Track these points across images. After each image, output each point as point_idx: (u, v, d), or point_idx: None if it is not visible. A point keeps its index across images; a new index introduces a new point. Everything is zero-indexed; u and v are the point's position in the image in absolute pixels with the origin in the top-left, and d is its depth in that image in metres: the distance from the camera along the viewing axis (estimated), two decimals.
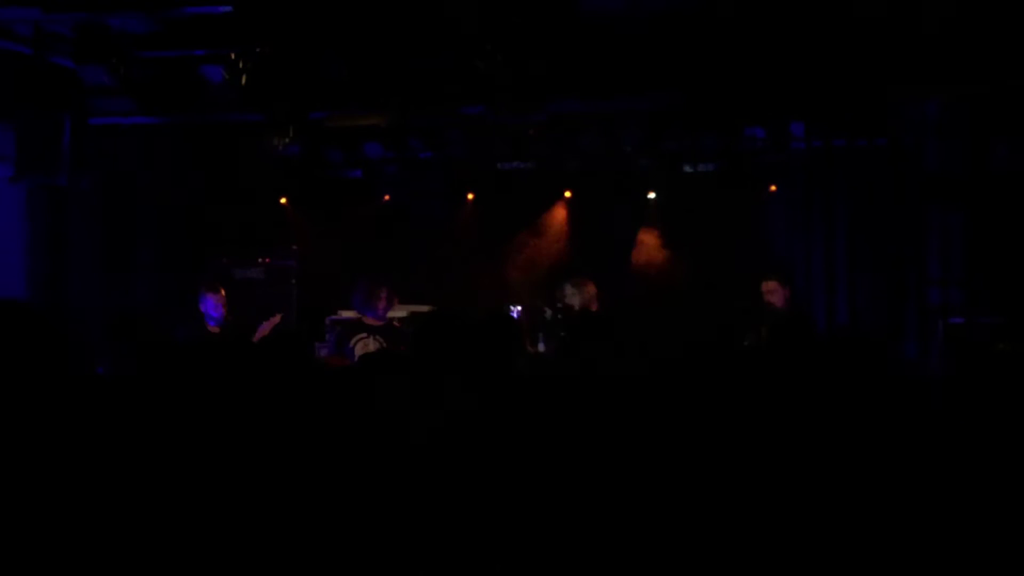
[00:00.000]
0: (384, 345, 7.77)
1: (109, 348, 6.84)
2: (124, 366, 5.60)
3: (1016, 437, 3.40)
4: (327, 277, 11.71)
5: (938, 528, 3.16)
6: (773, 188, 11.49)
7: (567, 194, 12.15)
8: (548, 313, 8.84)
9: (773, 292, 8.94)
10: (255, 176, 11.62)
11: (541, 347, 8.87)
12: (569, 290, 8.47)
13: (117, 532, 2.79)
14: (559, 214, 12.25)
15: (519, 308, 9.56)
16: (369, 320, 8.12)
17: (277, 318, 9.38)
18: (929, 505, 3.20)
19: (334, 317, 10.66)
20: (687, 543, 3.15)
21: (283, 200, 12.38)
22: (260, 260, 11.48)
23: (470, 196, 12.33)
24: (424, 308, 10.05)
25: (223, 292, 9.46)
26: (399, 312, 9.02)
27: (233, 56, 9.01)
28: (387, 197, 12.38)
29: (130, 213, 11.03)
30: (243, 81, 9.15)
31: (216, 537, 2.99)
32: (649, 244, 11.75)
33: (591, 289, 8.52)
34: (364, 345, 7.78)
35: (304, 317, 11.17)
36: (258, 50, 8.95)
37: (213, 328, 9.30)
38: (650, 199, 11.88)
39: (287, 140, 10.13)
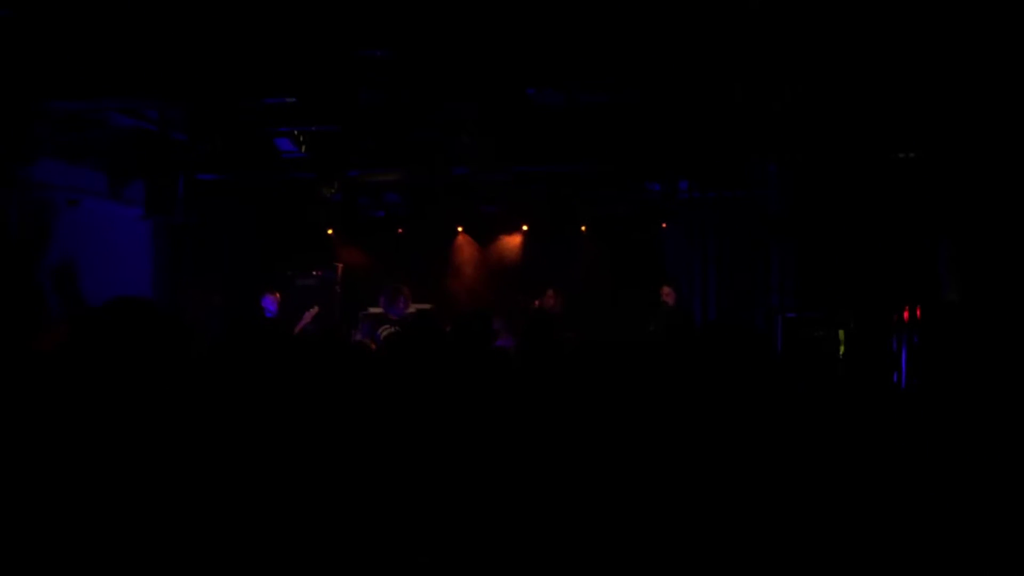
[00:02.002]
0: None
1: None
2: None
3: (825, 394, 3.51)
4: (360, 285, 11.79)
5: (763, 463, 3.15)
6: (664, 225, 11.59)
7: (524, 227, 12.24)
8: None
9: (668, 295, 9.10)
10: (311, 214, 11.65)
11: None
12: (551, 292, 8.72)
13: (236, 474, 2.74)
14: (517, 241, 12.33)
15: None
16: (392, 316, 8.13)
17: (316, 309, 9.39)
18: (761, 440, 3.20)
19: (364, 312, 10.71)
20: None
21: (330, 231, 12.40)
22: (314, 272, 11.52)
23: (459, 229, 12.39)
24: (427, 306, 10.12)
25: (278, 294, 9.49)
26: (411, 309, 9.06)
27: (296, 132, 9.05)
28: (400, 230, 12.41)
29: (224, 240, 11.04)
30: (303, 149, 9.19)
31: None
32: (581, 262, 11.86)
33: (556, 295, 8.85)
34: (387, 330, 7.82)
35: (345, 312, 11.23)
36: (313, 128, 8.98)
37: (270, 319, 9.33)
38: (582, 231, 11.97)
39: (333, 190, 10.16)
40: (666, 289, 9.14)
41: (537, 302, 9.43)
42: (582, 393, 3.61)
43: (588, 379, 3.80)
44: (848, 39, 6.54)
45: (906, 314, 8.40)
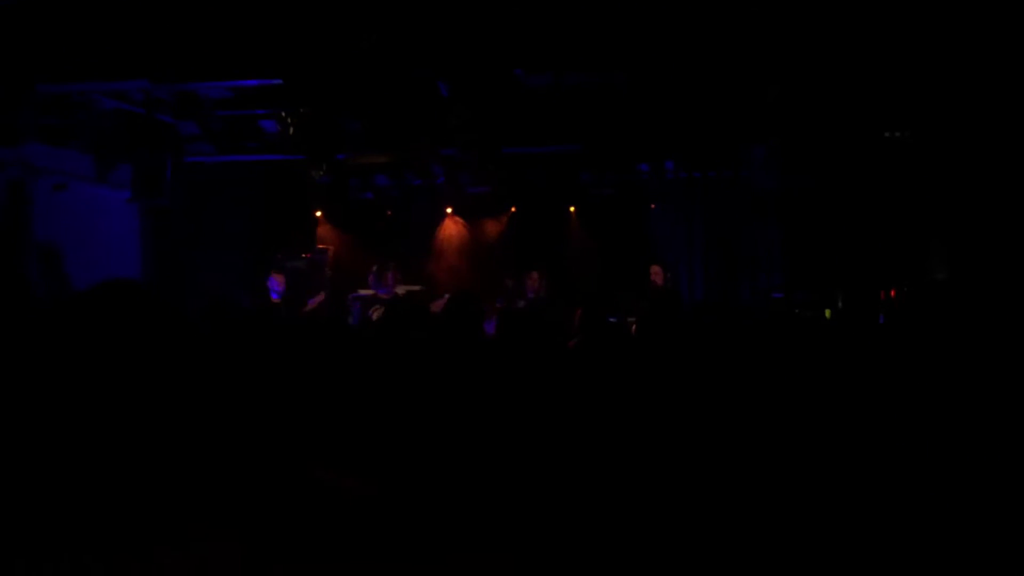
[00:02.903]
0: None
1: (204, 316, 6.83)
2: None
3: (812, 371, 3.50)
4: (349, 267, 11.73)
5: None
6: (653, 206, 11.53)
7: (512, 209, 12.17)
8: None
9: (656, 274, 9.07)
10: (299, 198, 11.58)
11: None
12: (535, 274, 8.80)
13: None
14: (505, 222, 12.28)
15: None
16: (382, 295, 8.10)
17: (322, 296, 9.36)
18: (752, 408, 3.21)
19: (354, 295, 10.66)
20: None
21: (318, 214, 12.33)
22: (303, 255, 11.43)
23: (448, 210, 12.33)
24: (416, 287, 10.07)
25: (284, 275, 9.44)
26: (400, 289, 9.01)
27: (283, 114, 8.97)
28: (389, 212, 12.34)
29: (212, 222, 10.95)
30: (290, 132, 9.12)
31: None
32: (570, 243, 11.82)
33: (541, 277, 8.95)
34: (378, 311, 7.80)
35: (334, 294, 11.19)
36: (301, 110, 8.91)
37: (276, 300, 9.27)
38: (571, 212, 11.92)
39: (321, 172, 10.08)
40: (655, 268, 9.11)
41: (509, 281, 9.42)
42: (575, 380, 3.60)
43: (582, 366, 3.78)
44: (836, 21, 6.51)
45: (893, 293, 8.42)
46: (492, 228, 12.29)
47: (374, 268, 8.24)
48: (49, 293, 8.25)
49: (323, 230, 12.27)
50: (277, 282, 9.27)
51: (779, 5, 6.46)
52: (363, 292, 9.79)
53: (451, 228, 12.33)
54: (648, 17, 6.73)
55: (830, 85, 7.91)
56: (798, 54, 7.23)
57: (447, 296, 5.10)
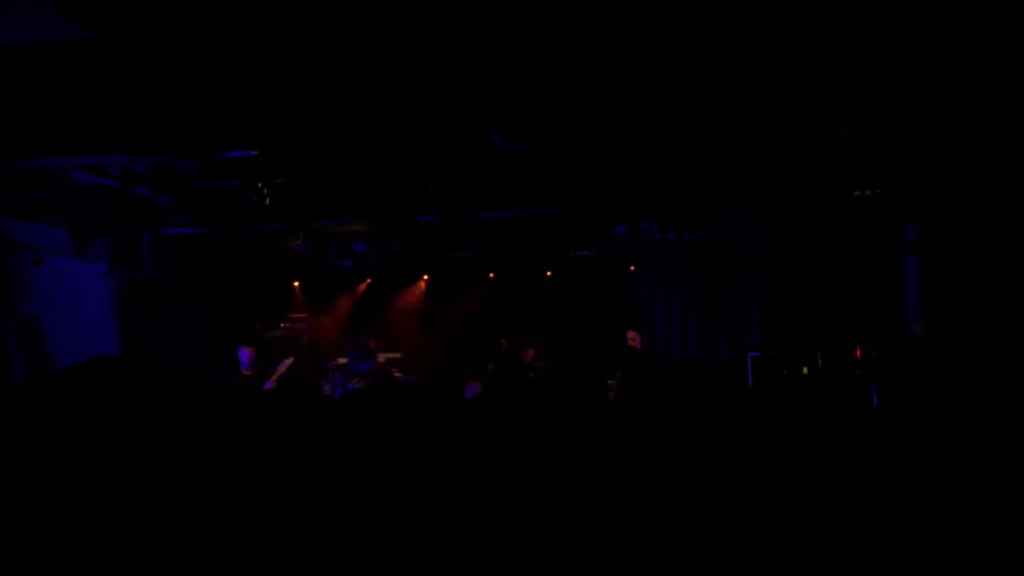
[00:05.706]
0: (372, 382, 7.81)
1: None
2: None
3: (792, 426, 3.53)
4: (328, 335, 11.74)
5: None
6: (632, 268, 11.60)
7: (491, 275, 12.21)
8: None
9: (633, 339, 9.11)
10: (277, 266, 11.61)
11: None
12: (504, 343, 8.89)
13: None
14: (483, 287, 12.30)
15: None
16: (363, 369, 8.12)
17: (290, 360, 9.35)
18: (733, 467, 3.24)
19: (333, 362, 10.65)
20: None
21: (296, 283, 12.35)
22: (282, 324, 11.45)
23: (425, 277, 12.38)
24: (396, 355, 10.08)
25: (254, 348, 9.43)
26: (380, 359, 9.02)
27: (260, 184, 9.02)
28: (368, 280, 12.38)
29: (190, 294, 10.93)
30: (267, 201, 9.16)
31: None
32: (547, 307, 11.84)
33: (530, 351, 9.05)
34: (358, 383, 7.80)
35: (313, 362, 11.16)
36: (277, 180, 8.97)
37: (245, 371, 9.25)
38: (548, 276, 11.98)
39: (299, 241, 10.13)
40: (631, 333, 9.14)
41: (504, 343, 9.49)
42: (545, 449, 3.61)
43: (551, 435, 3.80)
44: (809, 80, 6.68)
45: (873, 350, 8.48)
46: (470, 293, 12.34)
47: (352, 346, 8.28)
48: (28, 369, 8.20)
49: (302, 298, 12.30)
50: (247, 355, 9.26)
51: (751, 66, 6.60)
52: (342, 360, 9.77)
53: (430, 293, 12.39)
54: (623, 79, 6.86)
55: (804, 145, 8.06)
56: (773, 114, 7.36)
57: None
